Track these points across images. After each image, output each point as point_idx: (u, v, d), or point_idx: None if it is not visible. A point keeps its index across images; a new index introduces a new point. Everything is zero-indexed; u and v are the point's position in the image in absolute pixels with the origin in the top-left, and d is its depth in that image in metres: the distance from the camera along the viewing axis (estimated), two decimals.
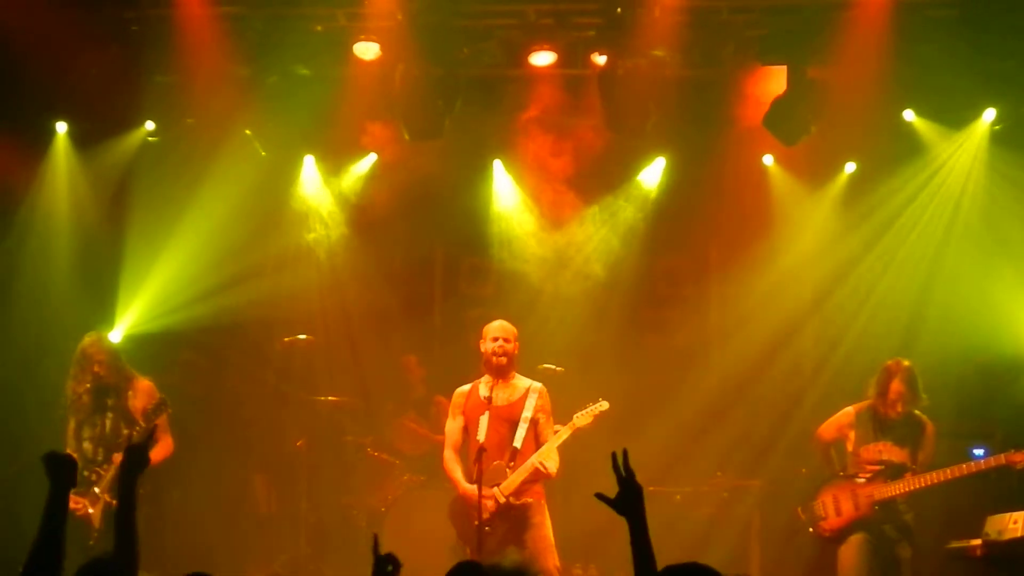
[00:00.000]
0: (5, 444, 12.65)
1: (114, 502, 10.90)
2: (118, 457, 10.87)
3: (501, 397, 10.70)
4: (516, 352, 10.82)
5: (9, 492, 11.81)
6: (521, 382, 10.82)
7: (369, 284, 14.18)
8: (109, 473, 11.04)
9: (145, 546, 6.69)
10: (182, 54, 12.70)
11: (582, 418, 10.77)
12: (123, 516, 6.77)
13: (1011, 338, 12.67)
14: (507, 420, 10.63)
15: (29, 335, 13.14)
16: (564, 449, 10.69)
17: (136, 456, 7.02)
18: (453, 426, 10.88)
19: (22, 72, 12.59)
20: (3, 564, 7.72)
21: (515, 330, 10.88)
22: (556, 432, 10.75)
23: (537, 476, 10.57)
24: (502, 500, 10.46)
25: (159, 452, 11.19)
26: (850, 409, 11.61)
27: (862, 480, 11.36)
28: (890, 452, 11.35)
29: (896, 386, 11.34)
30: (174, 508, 12.20)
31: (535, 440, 10.66)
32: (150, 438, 7.59)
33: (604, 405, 10.84)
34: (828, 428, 11.69)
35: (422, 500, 12.92)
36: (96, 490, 11.04)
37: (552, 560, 10.47)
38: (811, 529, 11.60)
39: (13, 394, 12.97)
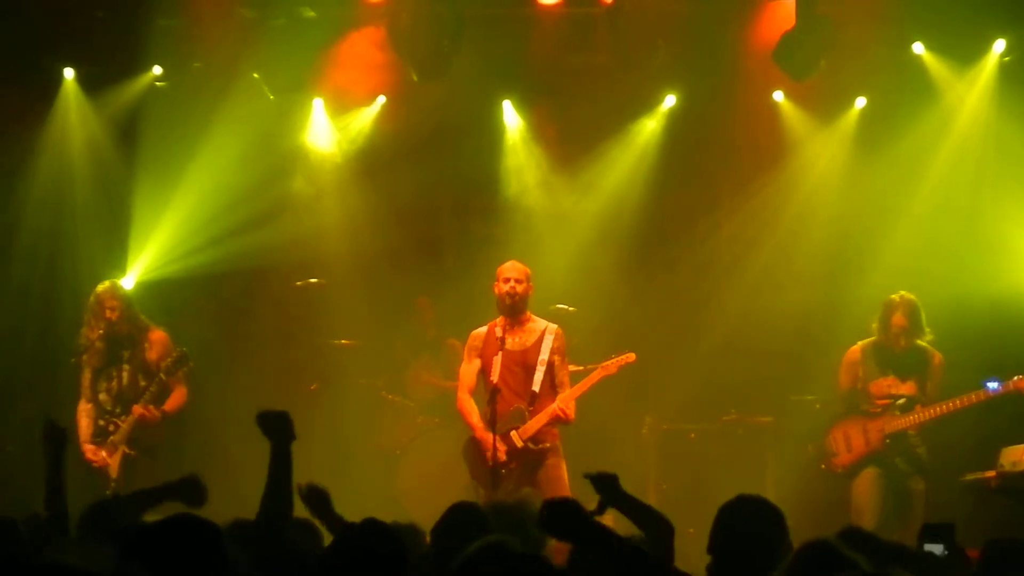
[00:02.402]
0: (17, 392, 12.72)
1: (132, 452, 11.08)
2: (136, 409, 11.08)
3: (516, 341, 10.73)
4: (529, 292, 10.82)
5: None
6: (537, 324, 10.84)
7: (380, 227, 14.12)
8: (126, 424, 11.12)
9: None
10: None
11: (608, 368, 10.84)
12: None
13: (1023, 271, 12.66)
14: (522, 364, 10.66)
15: (41, 283, 13.15)
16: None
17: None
18: (468, 369, 10.90)
19: (28, 17, 12.56)
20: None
21: (527, 270, 10.88)
22: (577, 371, 10.83)
23: (556, 421, 10.61)
24: (520, 445, 10.51)
25: (174, 402, 11.37)
26: (856, 347, 11.64)
27: (872, 414, 11.39)
28: (898, 386, 11.39)
29: (898, 319, 11.35)
30: (189, 454, 12.22)
31: (551, 382, 10.70)
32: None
33: (631, 357, 10.91)
34: (843, 375, 11.68)
35: (436, 442, 12.98)
36: (113, 440, 11.11)
37: None
38: (823, 466, 11.64)
39: (25, 342, 13.01)
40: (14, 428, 12.53)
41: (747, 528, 5.69)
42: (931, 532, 6.40)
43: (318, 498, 6.66)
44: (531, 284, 10.88)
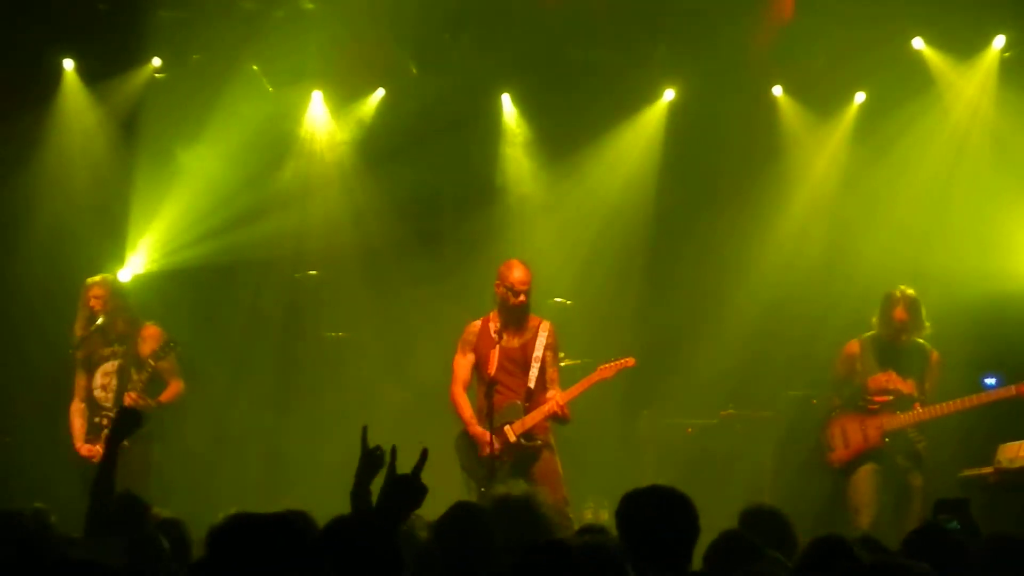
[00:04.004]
0: (16, 385, 12.72)
1: (125, 443, 11.02)
2: (127, 398, 11.00)
3: (514, 339, 10.70)
4: (529, 291, 10.80)
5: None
6: (531, 322, 10.82)
7: (379, 219, 14.11)
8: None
9: (157, 484, 6.74)
10: None
11: (606, 371, 10.80)
12: (104, 473, 6.85)
13: (1022, 266, 12.67)
14: (518, 360, 10.65)
15: (40, 274, 13.14)
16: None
17: (128, 418, 7.09)
18: (463, 363, 10.85)
19: (28, 9, 12.56)
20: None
21: (530, 272, 10.82)
22: (574, 365, 10.82)
23: (554, 418, 10.61)
24: (513, 439, 10.50)
25: (169, 393, 11.33)
26: (854, 341, 11.61)
27: (870, 411, 11.38)
28: (896, 382, 11.36)
29: (899, 314, 11.32)
30: (186, 447, 12.23)
31: (544, 376, 10.69)
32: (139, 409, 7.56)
33: (630, 361, 10.86)
34: (839, 365, 11.67)
35: (432, 433, 12.95)
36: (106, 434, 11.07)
37: (560, 492, 10.48)
38: (821, 461, 11.63)
39: (25, 333, 13.00)
40: (14, 420, 12.56)
41: (653, 518, 5.66)
42: (946, 507, 6.41)
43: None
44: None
